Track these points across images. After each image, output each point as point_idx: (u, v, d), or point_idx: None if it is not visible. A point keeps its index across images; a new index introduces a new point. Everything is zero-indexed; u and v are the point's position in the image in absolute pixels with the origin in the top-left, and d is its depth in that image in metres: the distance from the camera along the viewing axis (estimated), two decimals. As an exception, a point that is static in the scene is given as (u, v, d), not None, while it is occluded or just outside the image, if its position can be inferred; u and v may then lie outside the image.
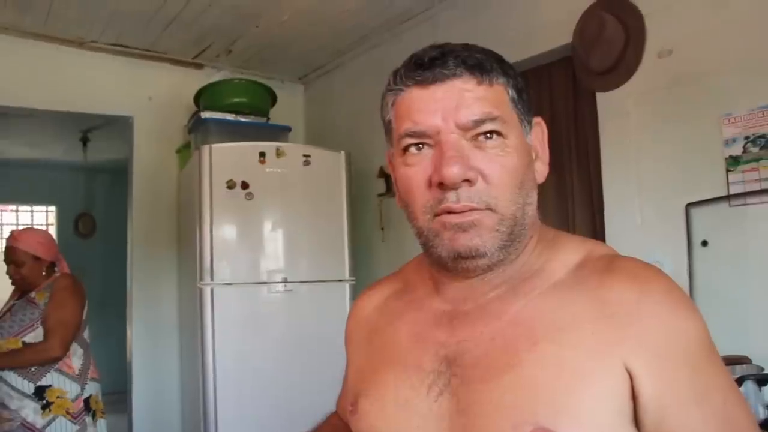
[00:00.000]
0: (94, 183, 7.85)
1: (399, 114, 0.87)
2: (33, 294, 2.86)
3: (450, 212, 0.81)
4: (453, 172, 0.79)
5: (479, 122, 0.82)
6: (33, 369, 2.74)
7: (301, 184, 3.58)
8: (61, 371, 2.79)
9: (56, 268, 3.02)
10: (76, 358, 2.86)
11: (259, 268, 3.47)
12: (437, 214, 0.83)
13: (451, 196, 0.81)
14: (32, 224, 8.39)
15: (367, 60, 4.08)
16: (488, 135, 0.82)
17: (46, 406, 2.73)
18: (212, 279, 3.36)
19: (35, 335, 2.77)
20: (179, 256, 4.11)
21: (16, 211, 8.39)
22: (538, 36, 2.93)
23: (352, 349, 1.07)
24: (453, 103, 0.82)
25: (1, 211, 8.29)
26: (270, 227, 3.52)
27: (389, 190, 3.75)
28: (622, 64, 2.54)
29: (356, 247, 3.79)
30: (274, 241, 3.53)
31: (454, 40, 0.89)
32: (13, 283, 2.97)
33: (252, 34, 3.85)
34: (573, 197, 2.87)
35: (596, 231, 2.72)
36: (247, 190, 3.44)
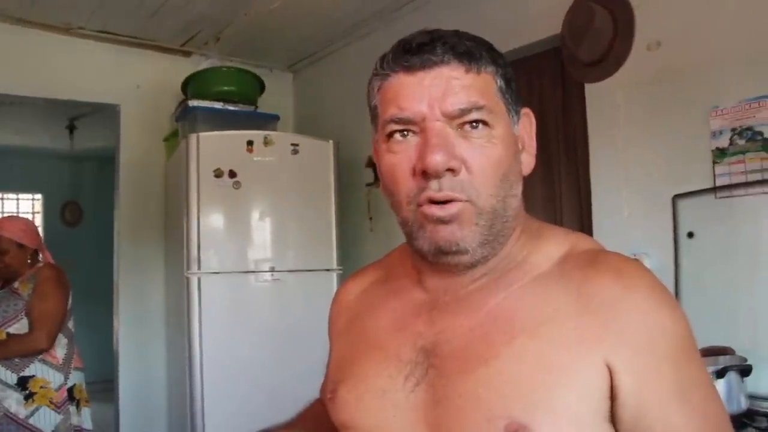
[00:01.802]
0: (80, 171, 7.80)
1: (385, 99, 0.85)
2: (16, 284, 2.83)
3: (432, 201, 0.80)
4: (436, 160, 0.78)
5: (466, 111, 0.80)
6: (17, 360, 2.73)
7: (289, 173, 3.57)
8: (44, 361, 2.78)
9: (39, 257, 3.00)
10: (60, 348, 2.85)
11: (246, 257, 3.47)
12: (420, 204, 0.82)
13: (433, 184, 0.80)
14: (18, 212, 8.34)
15: (357, 49, 4.06)
16: (474, 124, 0.81)
17: (29, 396, 2.71)
18: (199, 268, 3.34)
19: (19, 326, 2.75)
20: (166, 244, 4.10)
21: (2, 198, 8.32)
22: (527, 26, 2.93)
23: (333, 336, 1.07)
24: (440, 90, 0.80)
25: (-13, 198, 8.22)
26: (258, 216, 3.51)
27: (377, 179, 3.72)
28: (611, 56, 2.54)
29: (344, 237, 3.78)
30: (261, 230, 3.53)
31: (444, 28, 0.88)
32: None
33: (241, 22, 3.82)
34: (560, 188, 2.87)
35: (583, 222, 2.74)
36: (234, 179, 3.43)
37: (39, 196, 8.21)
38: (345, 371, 0.95)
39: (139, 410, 3.98)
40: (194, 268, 3.34)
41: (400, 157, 0.83)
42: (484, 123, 0.81)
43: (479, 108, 0.81)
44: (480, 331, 0.83)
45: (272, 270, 3.48)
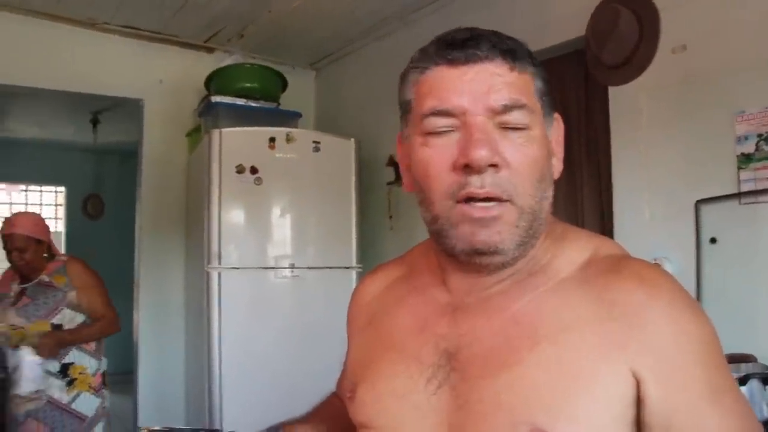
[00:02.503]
0: (103, 165, 7.87)
1: (422, 92, 0.84)
2: (46, 278, 2.88)
3: (472, 199, 0.79)
4: (481, 154, 0.77)
5: (508, 108, 0.80)
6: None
7: (310, 171, 3.59)
8: (81, 348, 2.91)
9: (50, 250, 3.05)
10: None
11: (266, 253, 3.49)
12: (458, 201, 0.80)
13: (475, 180, 0.78)
14: (41, 204, 8.44)
15: (379, 48, 4.07)
16: (514, 122, 0.80)
17: (70, 383, 2.85)
18: (220, 263, 3.37)
19: (61, 317, 2.86)
20: (187, 239, 4.13)
21: (26, 191, 8.42)
22: (551, 28, 2.92)
23: (352, 333, 1.06)
24: (484, 85, 0.80)
25: (11, 190, 8.32)
26: (278, 213, 3.53)
27: (398, 178, 3.75)
28: (635, 59, 2.53)
29: (364, 235, 3.79)
30: (282, 226, 3.54)
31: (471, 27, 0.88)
32: (16, 269, 2.96)
33: (264, 20, 3.84)
34: (582, 192, 2.86)
35: (604, 225, 2.72)
36: (256, 175, 3.45)
37: (62, 188, 8.30)
38: (364, 371, 0.94)
39: (157, 402, 4.02)
40: (215, 262, 3.37)
41: (436, 151, 0.82)
42: (525, 122, 0.81)
43: (521, 106, 0.80)
44: (503, 335, 0.82)
45: (292, 266, 3.50)
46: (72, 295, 2.89)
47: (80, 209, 7.81)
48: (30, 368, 2.70)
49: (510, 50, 0.82)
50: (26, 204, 8.43)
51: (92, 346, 2.96)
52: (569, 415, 0.74)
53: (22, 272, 2.95)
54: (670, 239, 2.44)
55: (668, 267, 2.37)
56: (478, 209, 0.79)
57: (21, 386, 2.71)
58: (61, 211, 8.28)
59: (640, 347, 0.75)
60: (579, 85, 2.89)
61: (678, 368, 0.75)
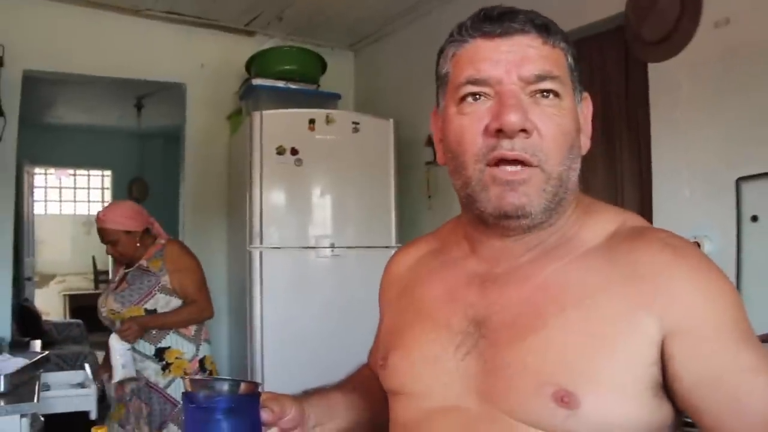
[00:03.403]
0: (147, 148, 8.03)
1: (459, 64, 0.88)
2: (145, 263, 2.90)
3: (503, 161, 0.82)
4: (512, 119, 0.81)
5: (541, 77, 0.84)
6: (154, 332, 2.82)
7: (350, 151, 3.63)
8: (178, 332, 2.87)
9: (152, 232, 3.04)
10: None
11: (307, 233, 3.54)
12: (489, 164, 0.84)
13: (506, 144, 0.82)
14: (89, 187, 8.64)
15: (417, 28, 4.07)
16: (545, 93, 0.84)
17: (165, 367, 2.81)
18: (261, 243, 3.44)
19: (154, 302, 2.83)
20: (229, 219, 4.21)
21: (74, 175, 8.64)
22: (591, 5, 2.89)
23: (385, 304, 1.10)
24: (517, 56, 0.84)
25: (60, 175, 8.55)
26: (318, 193, 3.58)
27: (437, 158, 3.76)
28: (676, 34, 2.49)
29: (403, 215, 3.82)
30: (322, 206, 3.60)
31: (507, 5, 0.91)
32: (115, 261, 3.04)
33: (302, 2, 3.87)
34: (622, 169, 2.84)
35: (644, 203, 2.70)
36: (296, 156, 3.50)
37: (108, 172, 8.50)
38: (397, 339, 0.99)
39: (201, 380, 4.11)
40: (256, 242, 3.44)
41: (470, 118, 0.85)
42: (555, 93, 0.85)
43: (553, 77, 0.84)
44: (530, 302, 0.85)
45: (332, 246, 3.55)
46: (165, 279, 2.86)
47: (126, 192, 7.99)
48: (120, 354, 2.70)
49: (544, 25, 0.86)
50: (74, 188, 8.66)
51: (191, 330, 2.90)
52: (592, 376, 0.77)
53: (121, 263, 3.00)
54: (710, 218, 2.41)
55: (708, 246, 2.35)
56: (507, 172, 0.83)
57: (114, 373, 2.73)
58: (108, 194, 8.49)
59: (667, 305, 0.78)
60: (619, 62, 2.86)
61: (708, 323, 0.77)
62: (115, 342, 2.71)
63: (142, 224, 2.96)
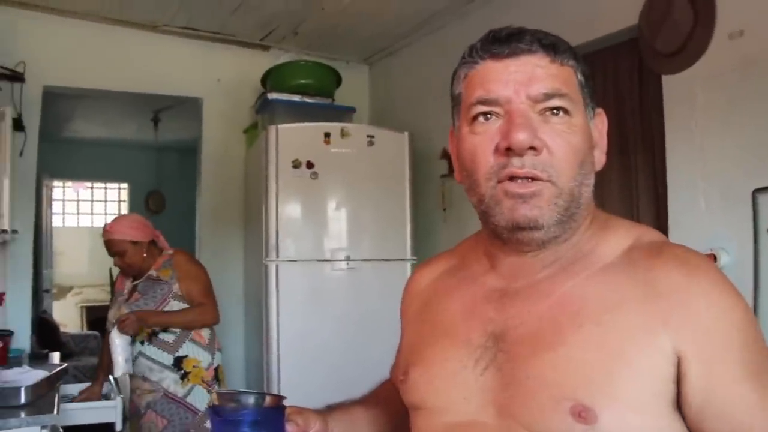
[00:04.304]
0: (164, 161, 8.08)
1: (470, 85, 0.90)
2: (154, 273, 2.94)
3: (513, 178, 0.84)
4: (521, 137, 0.82)
5: (549, 96, 0.85)
6: (171, 341, 2.86)
7: (365, 164, 3.65)
8: (194, 341, 2.91)
9: (158, 245, 3.09)
10: (205, 329, 2.97)
11: (322, 246, 3.56)
12: (500, 181, 0.85)
13: (515, 161, 0.84)
14: (106, 200, 8.71)
15: (432, 42, 4.10)
16: (555, 111, 0.86)
17: (184, 376, 2.85)
18: (277, 255, 3.46)
19: (170, 309, 2.88)
20: (245, 232, 4.24)
21: (91, 188, 8.72)
22: (604, 17, 2.90)
23: (405, 321, 1.12)
24: (526, 76, 0.86)
25: (78, 188, 8.63)
26: (334, 206, 3.61)
27: (452, 171, 3.76)
28: (690, 46, 2.49)
29: (418, 227, 3.83)
30: (337, 219, 3.62)
31: (518, 21, 0.93)
32: (122, 272, 3.06)
33: (317, 17, 3.91)
34: (637, 182, 2.84)
35: (659, 215, 2.70)
36: (312, 170, 3.52)
37: (125, 185, 8.56)
38: (416, 355, 1.00)
39: (218, 391, 4.13)
40: (272, 255, 3.46)
41: (482, 137, 0.88)
42: (565, 111, 0.86)
43: (561, 95, 0.86)
44: (548, 317, 0.86)
45: (348, 259, 3.57)
46: (176, 286, 2.91)
47: (143, 204, 8.04)
48: (121, 349, 2.73)
49: (551, 44, 0.88)
50: (91, 200, 8.73)
51: (205, 339, 2.95)
52: (610, 391, 0.78)
53: (129, 274, 3.03)
54: (726, 229, 2.40)
55: (724, 258, 2.34)
56: (518, 185, 0.84)
57: (115, 369, 2.76)
58: (125, 207, 8.55)
59: (682, 324, 0.78)
60: (632, 75, 2.86)
61: (718, 347, 0.78)
62: (116, 337, 2.74)
63: (148, 235, 3.02)
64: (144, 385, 2.86)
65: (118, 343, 2.73)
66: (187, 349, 2.89)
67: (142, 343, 2.87)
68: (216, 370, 2.96)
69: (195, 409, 2.84)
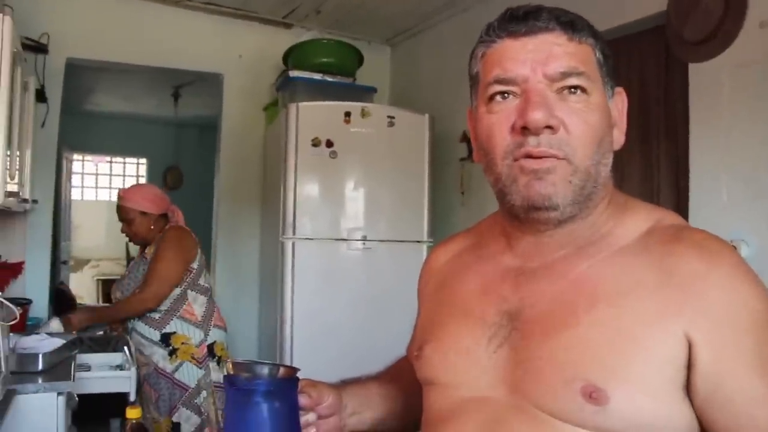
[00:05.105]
0: (183, 137, 8.12)
1: (488, 64, 0.90)
2: (147, 249, 2.98)
3: (529, 156, 0.84)
4: (537, 116, 0.82)
5: (566, 74, 0.84)
6: (157, 317, 2.87)
7: (385, 145, 3.64)
8: (183, 318, 2.90)
9: (170, 219, 3.09)
10: (197, 306, 2.96)
11: (339, 225, 3.57)
12: (516, 159, 0.85)
13: (531, 140, 0.83)
14: (124, 175, 8.77)
15: (455, 24, 4.06)
16: (572, 89, 0.85)
17: (172, 353, 2.86)
18: (294, 233, 3.47)
19: None
20: (263, 209, 4.26)
21: (110, 162, 8.77)
22: (631, 3, 2.86)
23: (422, 298, 1.12)
24: (543, 54, 0.85)
25: (97, 162, 8.68)
26: (352, 186, 3.60)
27: (471, 154, 3.75)
28: (720, 34, 2.45)
29: (435, 210, 3.82)
30: (355, 199, 3.62)
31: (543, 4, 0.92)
32: (129, 240, 3.09)
33: (341, -5, 3.89)
34: (658, 170, 2.81)
35: (680, 205, 2.67)
36: (331, 149, 3.52)
37: (144, 160, 8.61)
38: (432, 331, 1.01)
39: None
40: (289, 233, 3.47)
41: (499, 116, 0.87)
42: (582, 89, 0.85)
43: (579, 73, 0.85)
44: (563, 297, 0.86)
45: (364, 239, 3.57)
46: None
47: (161, 180, 8.09)
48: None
49: (569, 21, 0.87)
50: (110, 174, 8.79)
51: (197, 316, 2.93)
52: (622, 373, 0.77)
53: (134, 243, 3.07)
54: (747, 222, 2.38)
55: (745, 250, 2.32)
56: (533, 162, 0.84)
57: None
58: (143, 182, 8.60)
59: (696, 313, 0.78)
60: (658, 62, 2.83)
61: (730, 336, 0.77)
62: (55, 325, 2.73)
63: (160, 209, 3.02)
64: (140, 358, 2.88)
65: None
66: (175, 325, 2.89)
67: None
68: (211, 347, 2.95)
69: (183, 385, 2.85)
